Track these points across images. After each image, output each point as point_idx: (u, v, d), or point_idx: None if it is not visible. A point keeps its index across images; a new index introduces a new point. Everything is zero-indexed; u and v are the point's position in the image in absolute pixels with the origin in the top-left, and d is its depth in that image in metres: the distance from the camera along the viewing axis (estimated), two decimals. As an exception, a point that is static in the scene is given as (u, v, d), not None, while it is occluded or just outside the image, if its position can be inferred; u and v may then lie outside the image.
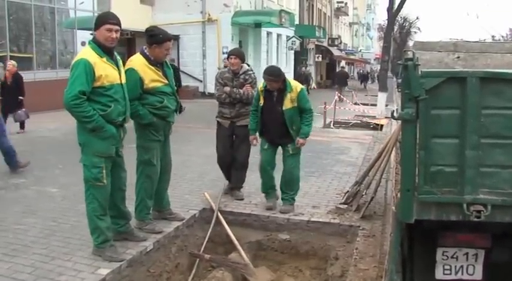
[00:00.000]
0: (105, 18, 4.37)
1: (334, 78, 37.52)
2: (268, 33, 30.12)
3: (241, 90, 6.30)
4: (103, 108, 4.27)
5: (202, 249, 5.37)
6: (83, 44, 19.39)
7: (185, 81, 20.56)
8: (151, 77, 4.93)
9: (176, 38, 23.68)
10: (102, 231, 4.50)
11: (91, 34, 19.61)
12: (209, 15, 23.72)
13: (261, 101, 5.89)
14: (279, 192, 6.21)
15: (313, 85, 36.62)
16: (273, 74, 5.75)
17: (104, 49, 4.30)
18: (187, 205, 6.20)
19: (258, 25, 26.95)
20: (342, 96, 24.69)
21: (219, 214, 5.79)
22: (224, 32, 23.83)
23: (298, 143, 5.86)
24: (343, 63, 53.06)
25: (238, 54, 6.37)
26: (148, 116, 4.96)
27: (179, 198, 6.43)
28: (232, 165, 6.57)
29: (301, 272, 5.40)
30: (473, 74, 2.99)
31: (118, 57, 4.50)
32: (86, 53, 4.26)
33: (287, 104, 5.76)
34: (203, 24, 23.97)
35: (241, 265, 5.05)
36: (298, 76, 26.64)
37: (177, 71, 15.11)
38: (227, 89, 6.34)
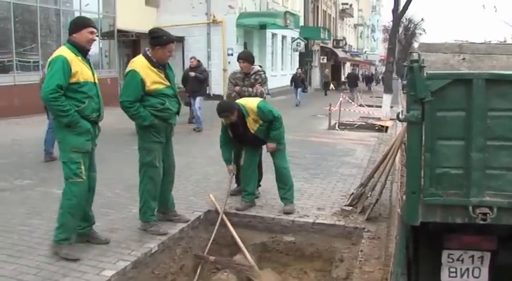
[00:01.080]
0: (87, 22, 4.66)
1: (345, 80, 37.37)
2: (273, 35, 30.17)
3: (250, 89, 6.61)
4: (77, 104, 4.42)
5: (206, 251, 5.37)
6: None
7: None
8: (153, 79, 4.94)
9: (181, 39, 23.73)
10: (68, 228, 4.54)
11: (96, 35, 19.84)
12: (214, 16, 23.78)
13: (230, 134, 6.00)
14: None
15: (332, 86, 36.60)
16: (223, 110, 5.78)
17: (79, 50, 4.50)
18: (192, 206, 6.20)
19: (262, 27, 26.98)
20: (353, 98, 24.83)
21: (223, 216, 5.77)
22: (229, 33, 23.87)
23: (268, 148, 6.01)
24: (348, 64, 53.09)
25: (246, 58, 6.69)
26: (149, 118, 4.97)
27: (184, 200, 6.43)
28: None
29: (306, 274, 5.39)
30: (479, 76, 2.98)
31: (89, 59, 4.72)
32: (63, 51, 4.45)
33: (253, 127, 5.90)
34: (208, 26, 24.02)
35: (246, 267, 5.05)
36: (293, 79, 25.43)
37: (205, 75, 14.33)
38: (237, 88, 6.66)
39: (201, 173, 7.96)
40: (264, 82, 6.70)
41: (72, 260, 4.45)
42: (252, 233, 5.83)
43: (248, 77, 6.66)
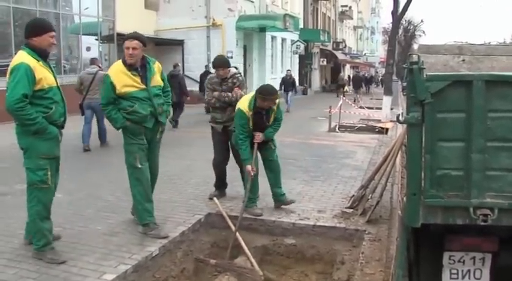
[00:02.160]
0: (49, 26, 4.57)
1: (344, 82, 37.22)
2: (273, 38, 30.17)
3: (229, 94, 6.45)
4: (45, 111, 4.39)
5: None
6: (88, 49, 19.48)
7: (190, 86, 20.59)
8: (124, 83, 5.03)
9: (180, 43, 23.78)
10: (44, 234, 4.55)
11: (96, 39, 19.87)
12: (213, 19, 23.78)
13: (251, 124, 5.93)
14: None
15: (346, 88, 36.57)
16: (274, 92, 5.89)
17: (40, 54, 4.43)
18: (192, 209, 6.20)
19: (262, 29, 26.98)
20: (358, 99, 24.95)
21: (238, 235, 5.52)
22: (229, 36, 23.87)
23: (258, 136, 5.95)
24: (348, 66, 53.09)
25: (223, 65, 6.50)
26: (120, 121, 5.09)
27: (184, 203, 6.44)
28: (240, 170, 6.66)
29: (307, 277, 5.37)
30: (478, 77, 2.98)
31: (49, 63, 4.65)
32: (24, 57, 4.34)
33: (271, 119, 6.05)
34: (208, 29, 24.03)
35: (247, 270, 5.04)
36: (284, 81, 23.06)
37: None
38: (216, 93, 6.48)
39: (201, 176, 7.94)
40: (242, 85, 6.58)
41: (58, 263, 4.45)
42: (252, 236, 5.82)
43: (225, 81, 6.50)
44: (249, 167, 5.89)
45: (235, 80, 6.52)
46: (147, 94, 5.11)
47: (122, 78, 5.03)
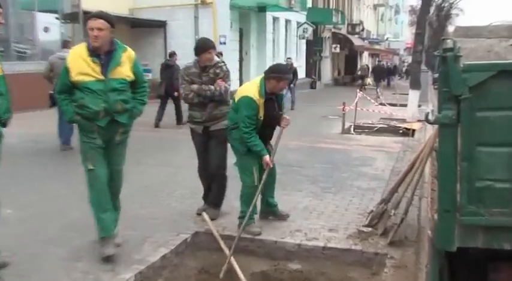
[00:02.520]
0: None
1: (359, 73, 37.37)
2: (275, 19, 30.24)
3: (211, 87, 6.34)
4: None
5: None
6: (46, 30, 19.34)
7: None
8: (80, 70, 5.03)
9: (162, 24, 23.75)
10: None
11: (56, 18, 19.76)
12: (203, -4, 23.78)
13: (261, 114, 5.93)
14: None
15: (369, 81, 36.62)
16: (289, 70, 6.07)
17: None
18: (176, 228, 6.17)
19: (262, 9, 27.03)
20: (379, 94, 25.08)
21: (233, 259, 5.56)
22: (221, 17, 23.82)
23: (287, 120, 6.15)
24: (366, 54, 53.16)
25: (210, 46, 6.44)
26: (69, 114, 5.19)
27: (167, 219, 6.42)
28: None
29: (316, 311, 5.37)
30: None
31: None
32: None
33: (282, 107, 6.23)
34: (195, 8, 23.98)
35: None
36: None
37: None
38: (194, 86, 6.37)
39: (188, 187, 7.90)
40: (227, 76, 6.48)
41: None
42: (249, 259, 5.82)
43: (206, 72, 6.39)
44: (267, 157, 5.91)
45: (218, 70, 6.42)
46: (103, 87, 5.08)
47: (79, 64, 5.03)
